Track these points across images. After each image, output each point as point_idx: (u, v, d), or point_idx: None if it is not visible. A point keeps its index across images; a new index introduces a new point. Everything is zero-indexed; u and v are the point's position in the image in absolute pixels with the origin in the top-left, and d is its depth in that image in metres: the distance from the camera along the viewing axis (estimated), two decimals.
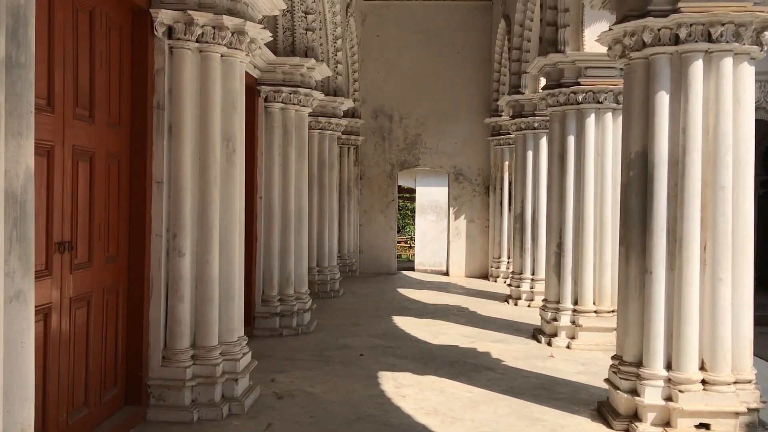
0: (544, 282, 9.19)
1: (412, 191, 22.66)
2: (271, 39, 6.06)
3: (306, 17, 8.71)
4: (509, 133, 13.46)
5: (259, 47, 6.02)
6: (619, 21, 5.48)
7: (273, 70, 8.54)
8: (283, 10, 8.53)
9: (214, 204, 5.47)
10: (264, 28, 5.88)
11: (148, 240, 5.19)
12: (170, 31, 5.33)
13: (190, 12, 5.21)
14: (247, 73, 7.79)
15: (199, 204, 5.44)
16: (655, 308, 5.15)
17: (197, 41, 5.39)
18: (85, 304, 4.50)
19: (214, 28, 5.39)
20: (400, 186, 18.63)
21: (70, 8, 4.25)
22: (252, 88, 8.39)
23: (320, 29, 11.12)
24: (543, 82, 9.78)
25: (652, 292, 5.17)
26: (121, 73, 5.03)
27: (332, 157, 12.32)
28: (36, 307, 3.78)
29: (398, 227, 26.76)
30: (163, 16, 5.21)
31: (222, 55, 5.57)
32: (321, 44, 11.36)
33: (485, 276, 15.44)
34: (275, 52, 8.52)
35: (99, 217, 4.68)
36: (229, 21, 5.37)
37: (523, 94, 11.69)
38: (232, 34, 5.53)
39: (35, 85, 2.13)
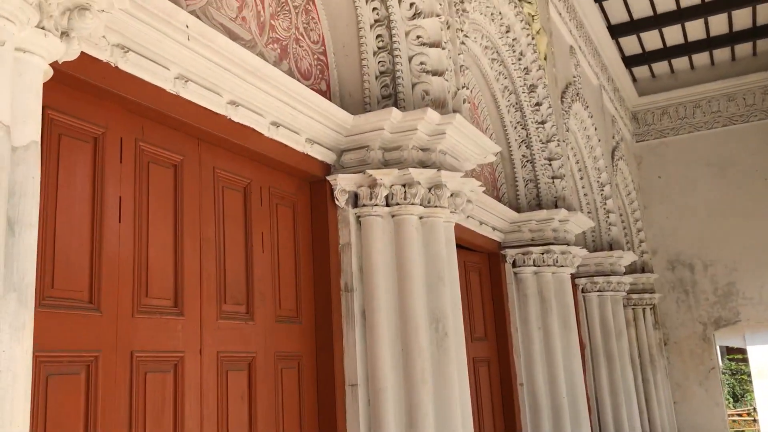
0: None
1: (743, 351, 18.78)
2: (482, 187, 4.88)
3: (550, 164, 7.45)
4: None
5: (468, 201, 4.86)
6: None
7: (518, 230, 7.27)
8: (523, 160, 7.40)
9: (424, 407, 4.14)
10: (466, 176, 4.75)
11: None
12: (355, 198, 4.45)
13: (371, 172, 4.29)
14: (485, 236, 6.66)
15: (406, 409, 4.17)
16: None
17: (387, 205, 4.42)
18: None
19: (403, 186, 4.39)
20: (724, 347, 15.36)
21: (210, 187, 3.56)
22: (495, 253, 7.18)
23: (581, 177, 9.75)
24: None
25: None
26: (297, 254, 4.19)
27: (619, 323, 10.26)
28: None
29: (734, 395, 22.19)
30: (343, 182, 4.36)
31: (420, 217, 4.51)
32: (586, 194, 9.92)
33: None
34: (518, 209, 7.31)
35: None
36: (419, 175, 4.34)
37: None
38: (429, 189, 4.47)
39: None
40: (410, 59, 4.57)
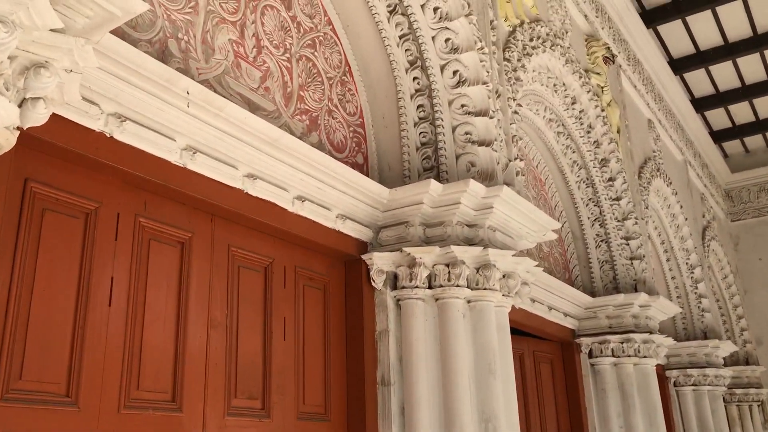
0: None
1: None
2: (539, 267, 4.37)
3: (628, 244, 6.82)
4: None
5: (524, 283, 4.35)
6: None
7: (593, 316, 6.61)
8: (597, 239, 6.81)
9: None
10: (520, 254, 4.28)
11: None
12: (394, 280, 4.05)
13: (409, 250, 3.90)
14: (556, 323, 6.07)
15: None
16: None
17: (430, 287, 3.99)
18: None
19: (447, 266, 3.96)
20: None
21: (223, 266, 3.26)
22: (568, 342, 6.53)
23: (668, 259, 8.99)
24: None
25: None
26: (327, 342, 3.79)
27: (719, 421, 9.14)
28: None
29: None
30: (380, 261, 3.98)
31: (468, 301, 4.04)
32: (674, 276, 9.12)
33: None
34: (592, 293, 6.67)
35: None
36: (462, 253, 3.91)
37: None
38: (477, 270, 4.02)
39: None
40: (454, 129, 4.23)
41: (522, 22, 5.38)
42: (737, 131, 12.24)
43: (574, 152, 6.68)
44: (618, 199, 6.85)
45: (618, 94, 7.59)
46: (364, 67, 4.33)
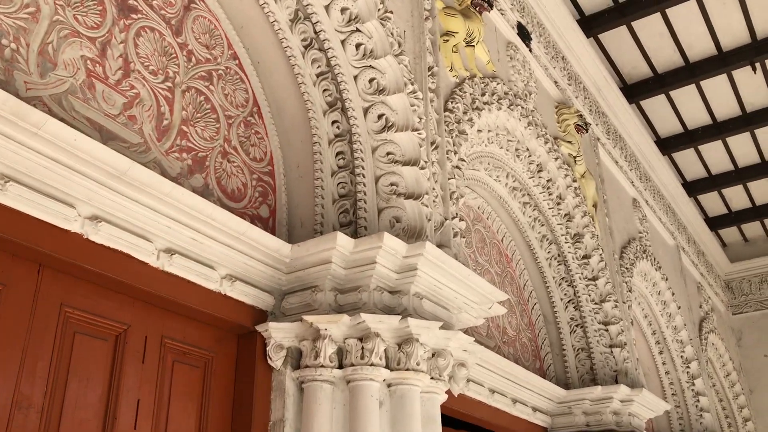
0: None
1: None
2: (481, 344, 3.62)
3: (607, 330, 6.06)
4: None
5: (462, 364, 3.60)
6: None
7: (568, 412, 5.76)
8: (571, 323, 6.06)
9: None
10: (460, 331, 3.55)
11: None
12: (298, 357, 3.32)
13: (311, 319, 3.19)
14: (523, 420, 5.27)
15: None
16: None
17: (340, 366, 3.26)
18: None
19: (360, 340, 3.24)
20: None
21: (51, 329, 2.55)
22: None
23: (660, 351, 8.17)
24: None
25: None
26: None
27: None
28: None
29: None
30: (278, 334, 3.26)
31: (389, 385, 3.29)
32: (668, 371, 8.27)
33: None
34: (566, 385, 5.86)
35: None
36: (377, 323, 3.18)
37: None
38: (399, 346, 3.29)
39: None
40: (377, 179, 3.61)
41: (473, 76, 4.87)
42: (734, 218, 11.61)
43: (542, 225, 6.04)
44: (594, 279, 6.15)
45: (595, 167, 7.02)
46: (278, 108, 3.77)
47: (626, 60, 8.15)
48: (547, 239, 6.09)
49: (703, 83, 8.43)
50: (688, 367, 8.40)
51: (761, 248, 12.34)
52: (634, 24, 7.53)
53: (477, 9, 5.06)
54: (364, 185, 3.57)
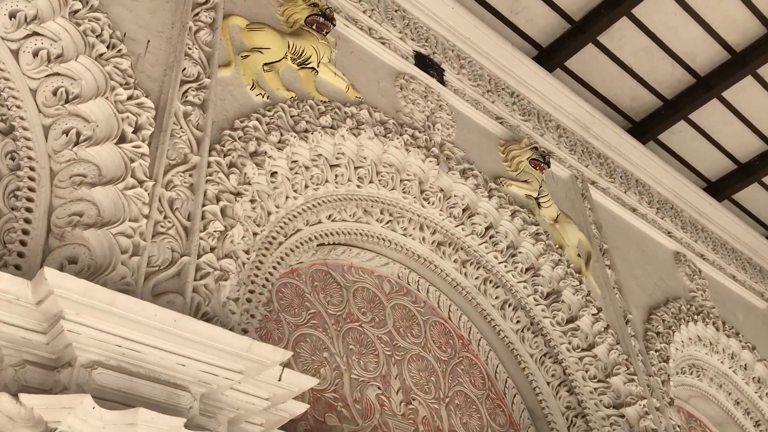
0: None
1: None
2: None
3: (622, 416, 4.26)
4: None
5: None
6: None
7: None
8: (567, 415, 4.32)
9: None
10: None
11: None
12: None
13: None
14: None
15: None
16: None
17: None
18: None
19: None
20: None
21: None
22: None
23: (758, 423, 6.00)
24: None
25: None
26: None
27: None
28: None
29: None
30: None
31: None
32: None
33: None
34: None
35: None
36: None
37: None
38: None
39: None
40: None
41: (304, 99, 3.81)
42: None
43: (496, 287, 4.54)
44: (591, 347, 4.45)
45: (584, 212, 5.51)
46: None
47: (623, 94, 6.81)
48: (509, 304, 4.55)
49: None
50: None
51: None
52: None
53: (315, 28, 4.11)
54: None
